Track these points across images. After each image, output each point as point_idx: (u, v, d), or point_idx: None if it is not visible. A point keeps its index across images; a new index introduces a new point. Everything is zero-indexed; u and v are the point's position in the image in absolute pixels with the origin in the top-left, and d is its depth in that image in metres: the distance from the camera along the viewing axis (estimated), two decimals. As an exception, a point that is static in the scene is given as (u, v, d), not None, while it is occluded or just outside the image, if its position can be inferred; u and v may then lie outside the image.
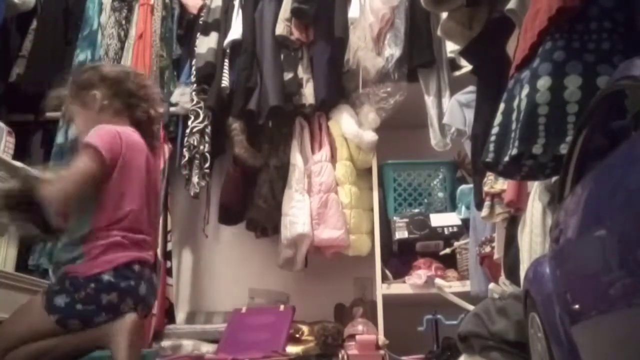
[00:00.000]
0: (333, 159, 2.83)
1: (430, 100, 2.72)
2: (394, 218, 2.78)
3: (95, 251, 1.66)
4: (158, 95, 1.96)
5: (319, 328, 2.52)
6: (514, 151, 1.26)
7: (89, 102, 1.80)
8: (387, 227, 2.79)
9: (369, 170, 2.85)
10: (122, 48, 2.92)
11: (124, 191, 1.70)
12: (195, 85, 2.86)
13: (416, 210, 2.81)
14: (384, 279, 2.65)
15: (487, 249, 2.22)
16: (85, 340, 1.69)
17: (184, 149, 2.80)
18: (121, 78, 1.85)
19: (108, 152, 1.65)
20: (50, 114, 2.76)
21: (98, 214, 1.68)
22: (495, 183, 2.01)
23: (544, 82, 1.22)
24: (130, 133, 1.76)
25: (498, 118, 1.37)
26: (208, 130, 2.83)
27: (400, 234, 2.73)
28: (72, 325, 1.66)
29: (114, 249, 1.68)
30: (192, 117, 2.82)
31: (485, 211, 2.04)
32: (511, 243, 1.93)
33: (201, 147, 2.80)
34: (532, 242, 1.70)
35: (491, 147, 1.37)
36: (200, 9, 3.01)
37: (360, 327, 2.48)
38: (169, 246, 2.81)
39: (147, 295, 1.75)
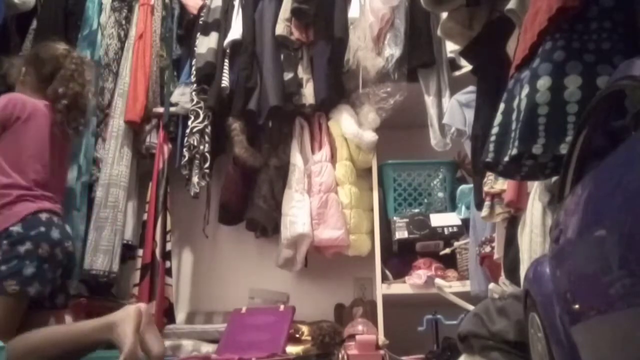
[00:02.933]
0: (333, 159, 2.83)
1: (430, 100, 2.72)
2: (394, 218, 2.78)
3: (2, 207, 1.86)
4: (78, 74, 2.20)
5: (314, 328, 2.52)
6: (514, 151, 1.26)
7: (18, 74, 2.17)
8: (387, 227, 2.79)
9: (369, 170, 2.85)
10: (122, 48, 2.93)
11: (20, 152, 1.96)
12: (195, 85, 2.86)
13: (416, 210, 2.81)
14: (384, 279, 2.65)
15: (487, 249, 2.22)
16: (90, 332, 1.68)
17: (184, 149, 2.80)
18: (44, 60, 2.15)
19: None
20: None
21: None
22: (495, 183, 2.01)
23: (544, 82, 1.21)
24: (34, 102, 2.06)
25: (498, 118, 1.37)
26: (208, 130, 2.83)
27: (400, 234, 2.72)
28: (10, 287, 1.75)
29: (18, 203, 1.87)
30: (192, 117, 2.82)
31: (485, 211, 2.04)
32: (511, 243, 1.92)
33: (201, 147, 2.80)
34: (532, 242, 1.70)
35: (491, 147, 1.36)
36: (200, 9, 3.01)
37: (360, 327, 2.47)
38: (169, 246, 2.80)
39: (62, 239, 1.89)
